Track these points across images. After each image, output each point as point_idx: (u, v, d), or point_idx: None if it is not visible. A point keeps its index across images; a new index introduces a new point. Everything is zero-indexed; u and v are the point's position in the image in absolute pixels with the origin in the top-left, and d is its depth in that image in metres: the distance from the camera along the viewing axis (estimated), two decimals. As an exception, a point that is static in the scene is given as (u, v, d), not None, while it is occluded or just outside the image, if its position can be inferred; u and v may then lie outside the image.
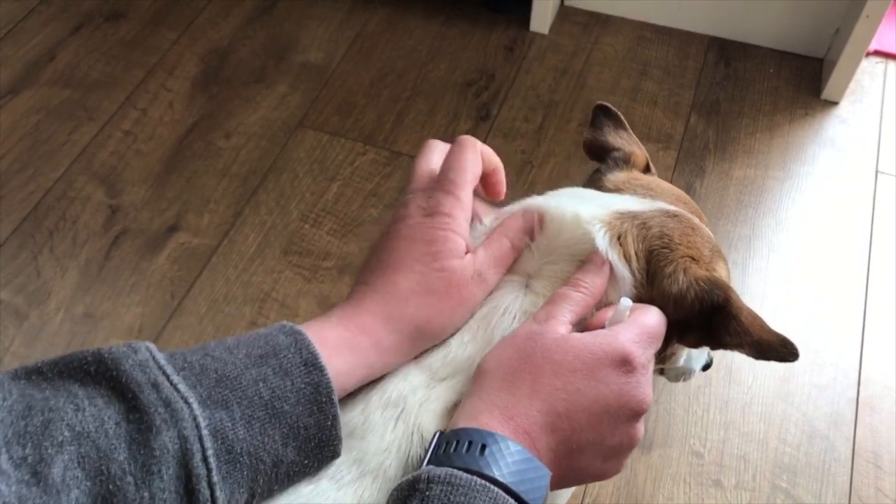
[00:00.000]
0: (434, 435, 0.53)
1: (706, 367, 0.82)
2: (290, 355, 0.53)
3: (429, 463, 0.51)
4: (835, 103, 1.81)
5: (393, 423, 0.57)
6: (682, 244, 0.62)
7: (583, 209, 0.63)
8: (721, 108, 1.79)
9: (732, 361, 1.41)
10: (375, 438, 0.56)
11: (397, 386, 0.59)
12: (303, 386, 0.52)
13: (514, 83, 1.83)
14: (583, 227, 0.61)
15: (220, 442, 0.49)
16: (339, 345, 0.55)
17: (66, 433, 0.46)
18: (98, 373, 0.49)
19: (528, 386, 0.53)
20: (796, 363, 1.40)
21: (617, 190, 0.68)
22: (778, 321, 1.45)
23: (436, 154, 0.64)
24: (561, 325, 0.56)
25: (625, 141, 0.76)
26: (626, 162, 0.72)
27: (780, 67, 1.88)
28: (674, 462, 1.30)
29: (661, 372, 0.77)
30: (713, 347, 0.63)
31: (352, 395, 0.59)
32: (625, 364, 0.54)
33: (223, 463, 0.49)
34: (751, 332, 0.59)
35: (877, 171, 1.69)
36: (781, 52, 1.91)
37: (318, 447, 0.53)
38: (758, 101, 1.82)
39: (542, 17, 1.91)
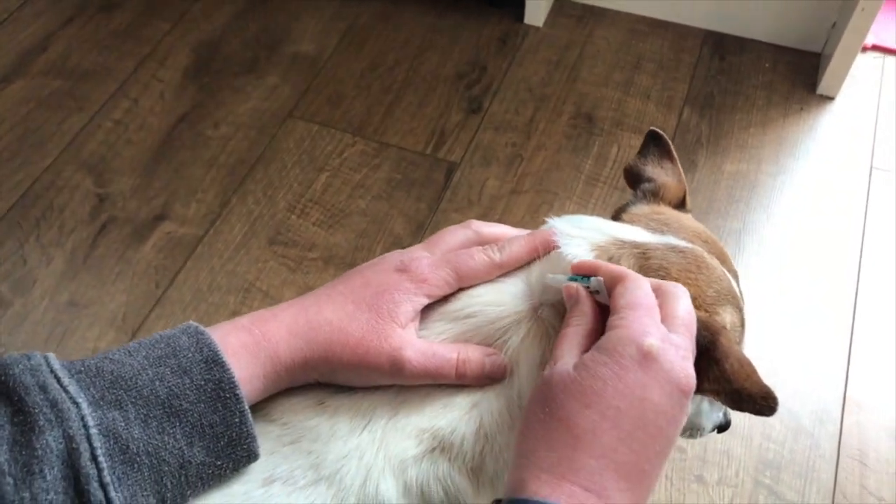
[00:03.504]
0: None
1: (721, 428, 0.77)
2: (189, 354, 0.52)
3: None
4: (830, 98, 1.78)
5: (359, 430, 0.56)
6: (679, 279, 0.59)
7: (576, 233, 0.62)
8: (715, 103, 1.78)
9: (718, 356, 1.40)
10: (338, 444, 0.56)
11: (368, 398, 0.58)
12: (203, 383, 0.51)
13: (507, 76, 1.82)
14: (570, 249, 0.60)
15: (112, 441, 0.48)
16: (238, 350, 0.54)
17: None
18: None
19: (564, 434, 0.49)
20: (783, 358, 1.39)
21: (630, 222, 0.66)
22: (766, 317, 1.44)
23: (458, 236, 0.63)
24: (569, 361, 0.52)
25: (663, 172, 0.74)
26: (654, 195, 0.71)
27: (776, 62, 1.86)
28: (656, 457, 1.29)
29: None
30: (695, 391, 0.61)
31: (323, 404, 0.58)
32: (643, 355, 0.50)
33: (118, 463, 0.48)
34: (732, 380, 0.55)
35: (871, 167, 1.67)
36: (778, 46, 1.89)
37: (228, 446, 0.52)
38: (752, 95, 1.80)
39: (536, 9, 1.90)
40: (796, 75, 1.83)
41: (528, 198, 1.60)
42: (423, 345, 0.57)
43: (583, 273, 0.57)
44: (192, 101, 1.75)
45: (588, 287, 0.56)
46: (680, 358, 0.51)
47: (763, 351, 1.40)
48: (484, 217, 1.56)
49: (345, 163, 1.65)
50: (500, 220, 1.61)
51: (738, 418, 1.33)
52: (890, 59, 1.86)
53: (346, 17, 1.93)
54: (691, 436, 0.77)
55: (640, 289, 0.54)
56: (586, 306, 0.56)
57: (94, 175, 1.62)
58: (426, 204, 1.58)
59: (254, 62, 1.83)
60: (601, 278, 0.56)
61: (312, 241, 1.52)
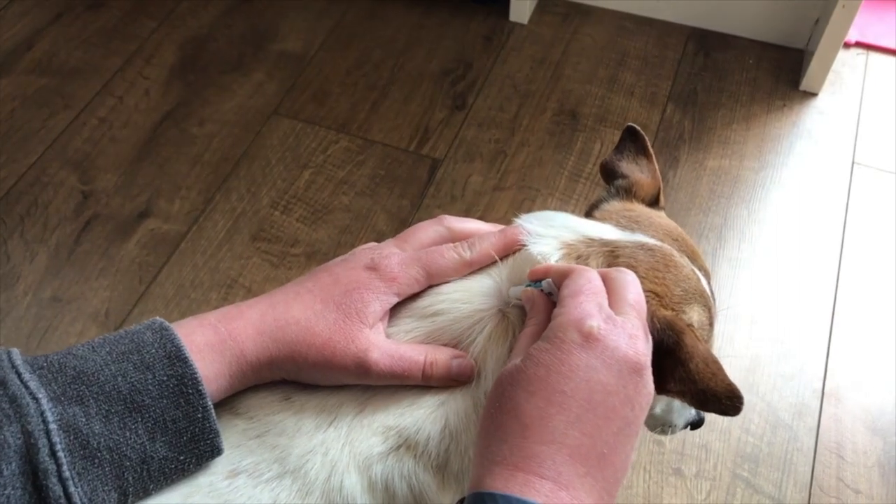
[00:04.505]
0: None
1: (695, 425, 0.76)
2: (153, 350, 0.52)
3: None
4: (813, 94, 1.79)
5: (325, 426, 0.56)
6: (647, 278, 0.59)
7: (545, 232, 0.62)
8: (698, 99, 1.78)
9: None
10: (303, 439, 0.56)
11: (335, 395, 0.58)
12: (165, 378, 0.51)
13: (491, 73, 1.82)
14: (540, 247, 0.60)
15: (73, 437, 0.48)
16: (203, 349, 0.54)
17: None
18: None
19: (513, 424, 0.49)
20: (763, 351, 1.40)
21: (602, 219, 0.66)
22: (746, 311, 1.44)
23: (430, 232, 0.63)
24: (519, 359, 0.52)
25: (638, 168, 0.74)
26: (627, 191, 0.71)
27: (760, 58, 1.87)
28: (634, 450, 1.29)
29: None
30: (658, 392, 0.58)
31: (290, 399, 0.58)
32: (585, 338, 0.50)
33: (78, 458, 0.48)
34: (697, 380, 0.55)
35: (853, 162, 1.67)
36: (762, 42, 1.89)
37: (191, 441, 0.52)
38: (736, 91, 1.80)
39: (522, 7, 1.91)
40: (780, 72, 1.84)
41: (510, 194, 1.61)
42: (390, 346, 0.57)
43: (536, 278, 0.58)
44: (178, 99, 1.76)
45: (542, 290, 0.57)
46: (626, 336, 0.51)
47: (743, 345, 1.41)
48: (466, 213, 1.57)
49: (329, 159, 1.66)
50: (482, 217, 1.63)
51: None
52: (873, 55, 1.87)
53: (333, 14, 1.94)
54: (663, 432, 0.76)
55: (582, 278, 0.54)
56: (540, 307, 0.56)
57: (78, 172, 1.63)
58: (409, 200, 1.59)
59: (240, 60, 1.84)
60: (550, 280, 0.56)
61: (295, 237, 1.53)
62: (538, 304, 0.56)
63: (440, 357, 0.58)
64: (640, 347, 0.51)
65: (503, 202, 1.59)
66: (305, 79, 1.80)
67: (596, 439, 0.48)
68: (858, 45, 1.88)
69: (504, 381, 0.51)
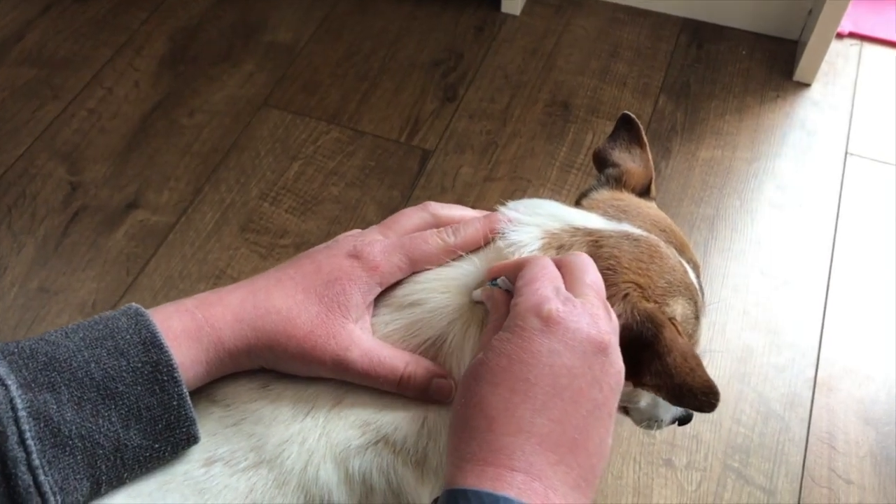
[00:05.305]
0: None
1: (682, 421, 0.75)
2: (127, 336, 0.51)
3: None
4: (807, 85, 1.78)
5: (302, 416, 0.56)
6: (630, 269, 0.58)
7: (528, 220, 0.61)
8: (691, 90, 1.77)
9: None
10: (280, 428, 0.55)
11: (312, 385, 0.57)
12: (140, 365, 0.50)
13: (483, 64, 1.81)
14: (521, 235, 0.60)
15: (43, 424, 0.47)
16: (180, 335, 0.53)
17: None
18: None
19: (479, 419, 0.48)
20: (755, 342, 1.39)
21: (589, 208, 0.65)
22: (738, 302, 1.43)
23: (414, 218, 0.62)
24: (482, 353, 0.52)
25: (630, 158, 0.73)
26: (617, 180, 0.70)
27: (753, 49, 1.86)
28: (624, 441, 1.29)
29: (625, 412, 0.73)
30: (634, 385, 0.57)
31: (267, 388, 0.57)
32: (545, 322, 0.49)
33: (48, 447, 0.47)
34: (673, 375, 0.54)
35: (846, 153, 1.66)
36: (756, 34, 1.88)
37: (167, 429, 0.51)
38: (729, 83, 1.79)
39: (514, -2, 1.90)
40: (773, 62, 1.83)
41: (501, 185, 1.60)
42: (372, 348, 0.56)
43: (491, 277, 0.57)
44: (168, 90, 1.75)
45: (500, 287, 0.56)
46: (587, 316, 0.50)
47: (735, 336, 1.40)
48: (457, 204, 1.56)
49: (318, 150, 1.65)
50: (473, 208, 1.62)
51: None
52: (867, 45, 1.86)
53: (324, 5, 1.93)
54: (649, 427, 0.75)
55: (536, 266, 0.53)
56: (499, 304, 0.55)
57: (67, 163, 1.62)
58: (399, 191, 1.58)
59: (230, 50, 1.83)
60: (504, 277, 0.56)
61: (284, 229, 1.52)
62: (497, 301, 0.56)
63: (420, 372, 0.57)
64: (603, 326, 0.50)
65: (494, 193, 1.58)
66: (295, 70, 1.79)
67: (565, 425, 0.47)
68: (852, 35, 1.87)
69: (469, 377, 0.50)
